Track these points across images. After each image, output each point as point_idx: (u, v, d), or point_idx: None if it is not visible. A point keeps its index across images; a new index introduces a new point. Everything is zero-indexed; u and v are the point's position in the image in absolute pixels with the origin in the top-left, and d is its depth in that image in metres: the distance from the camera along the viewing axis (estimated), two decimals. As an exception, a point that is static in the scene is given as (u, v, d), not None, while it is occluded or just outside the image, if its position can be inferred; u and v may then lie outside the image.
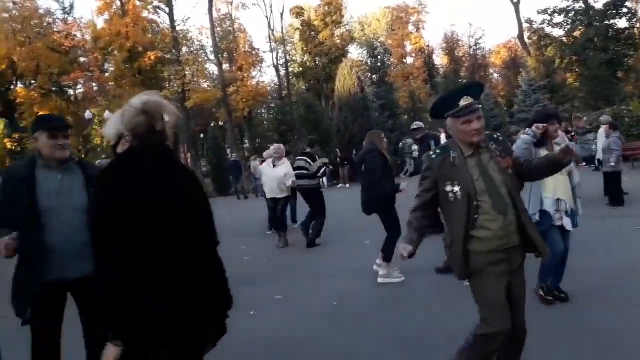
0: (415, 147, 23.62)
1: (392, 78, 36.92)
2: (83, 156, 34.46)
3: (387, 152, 6.35)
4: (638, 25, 26.96)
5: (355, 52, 42.64)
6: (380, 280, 5.48)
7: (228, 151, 28.37)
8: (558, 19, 27.98)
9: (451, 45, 47.21)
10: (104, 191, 1.91)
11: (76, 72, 37.19)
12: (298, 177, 8.31)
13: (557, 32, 28.49)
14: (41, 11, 33.57)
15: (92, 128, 39.39)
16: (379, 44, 44.30)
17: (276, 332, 4.27)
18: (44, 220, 2.67)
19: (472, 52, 47.64)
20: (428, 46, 45.94)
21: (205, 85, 29.73)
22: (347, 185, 18.57)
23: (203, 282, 1.89)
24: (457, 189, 2.61)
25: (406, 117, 32.21)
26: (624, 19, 26.57)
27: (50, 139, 2.74)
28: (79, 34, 37.09)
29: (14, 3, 32.25)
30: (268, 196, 8.74)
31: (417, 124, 8.30)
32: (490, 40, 61.39)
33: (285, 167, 8.40)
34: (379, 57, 37.73)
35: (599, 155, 10.75)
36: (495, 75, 52.81)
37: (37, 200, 2.67)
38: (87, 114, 28.24)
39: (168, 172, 1.94)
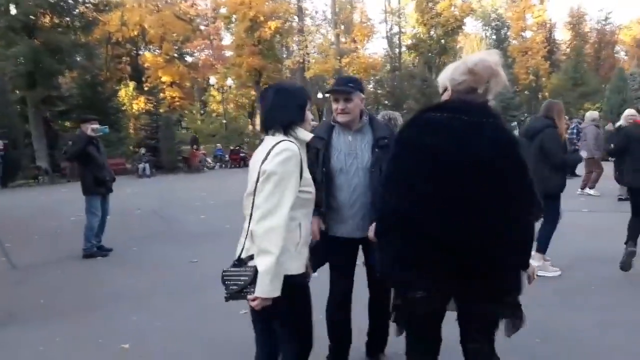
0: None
1: (509, 52, 35.18)
2: (199, 122, 36.70)
3: (563, 129, 5.59)
4: None
5: (470, 25, 41.17)
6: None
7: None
8: None
9: (576, 19, 43.78)
10: (401, 134, 2.06)
11: (197, 40, 39.57)
12: None
13: None
14: (170, -20, 35.44)
15: (210, 94, 41.83)
16: (496, 16, 42.35)
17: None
18: (334, 178, 2.81)
19: (599, 28, 43.95)
20: (550, 20, 42.96)
21: (317, 56, 30.08)
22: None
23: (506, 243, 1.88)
24: None
25: (526, 92, 30.66)
26: None
27: (334, 102, 2.83)
28: (202, 3, 39.16)
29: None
30: None
31: None
32: (620, 15, 55.62)
33: None
34: (495, 30, 35.93)
35: None
36: (622, 53, 48.44)
37: (329, 158, 2.81)
38: (212, 80, 30.03)
39: (474, 129, 1.89)
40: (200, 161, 23.77)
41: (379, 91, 43.66)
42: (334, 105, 2.82)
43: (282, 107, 2.15)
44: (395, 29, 38.66)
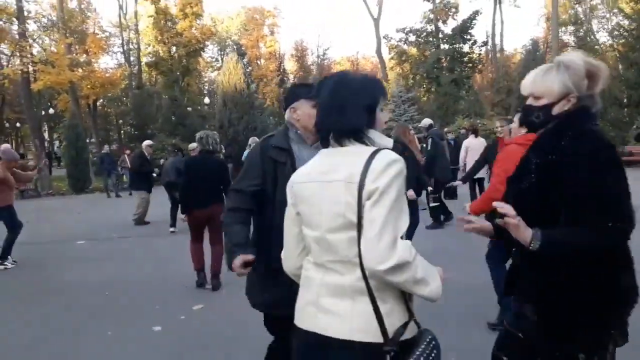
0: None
1: (253, 78, 36.59)
2: None
3: (415, 148, 6.30)
4: (477, 51, 31.46)
5: (208, 49, 41.35)
6: None
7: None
8: (412, 38, 31.04)
9: (300, 52, 48.68)
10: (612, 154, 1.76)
11: None
12: None
13: (412, 51, 31.62)
14: None
15: None
16: (231, 42, 43.73)
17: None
18: None
19: (319, 62, 49.82)
20: (279, 50, 46.66)
21: (45, 67, 25.58)
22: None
23: None
24: None
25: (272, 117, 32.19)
26: (467, 44, 30.64)
27: (314, 108, 2.31)
28: None
29: None
30: None
31: None
32: (338, 52, 65.10)
33: None
34: (240, 55, 36.94)
35: None
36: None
37: None
38: None
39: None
40: None
41: (108, 110, 40.06)
42: (314, 111, 2.23)
43: (341, 109, 1.61)
44: (132, 44, 36.08)
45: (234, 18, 45.47)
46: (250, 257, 2.32)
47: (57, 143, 42.23)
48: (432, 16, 30.74)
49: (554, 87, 1.80)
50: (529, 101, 1.87)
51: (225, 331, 4.37)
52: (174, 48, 33.53)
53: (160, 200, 10.77)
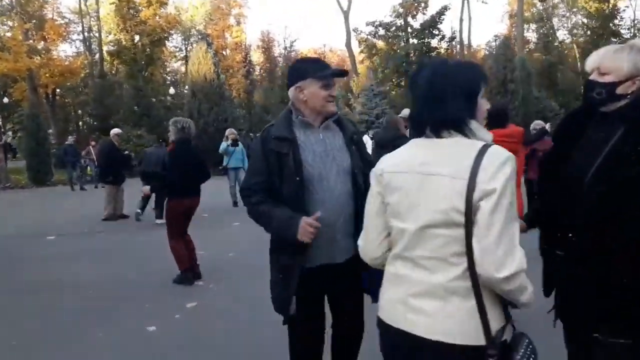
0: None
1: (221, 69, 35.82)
2: None
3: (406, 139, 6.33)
4: (444, 46, 31.81)
5: (172, 38, 40.26)
6: None
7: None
8: (382, 32, 31.11)
9: (267, 43, 47.99)
10: None
11: None
12: None
13: (381, 44, 31.70)
14: None
15: None
16: (196, 32, 42.74)
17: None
18: (310, 188, 2.25)
19: (286, 53, 49.29)
20: (245, 41, 45.84)
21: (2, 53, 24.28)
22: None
23: None
24: None
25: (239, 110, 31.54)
26: (435, 38, 30.94)
27: (324, 89, 2.28)
28: None
29: None
30: None
31: None
32: (305, 44, 64.47)
33: None
34: (207, 44, 36.10)
35: None
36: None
37: (302, 163, 2.24)
38: None
39: None
40: None
41: (66, 100, 38.56)
42: (323, 92, 2.27)
43: (442, 98, 1.48)
44: (93, 31, 34.80)
45: (199, 7, 44.37)
46: (308, 219, 2.13)
47: (10, 134, 40.44)
48: (401, 10, 30.84)
49: (624, 65, 1.76)
50: (593, 76, 1.83)
51: (224, 328, 4.21)
52: (137, 37, 32.50)
53: (131, 193, 10.38)
